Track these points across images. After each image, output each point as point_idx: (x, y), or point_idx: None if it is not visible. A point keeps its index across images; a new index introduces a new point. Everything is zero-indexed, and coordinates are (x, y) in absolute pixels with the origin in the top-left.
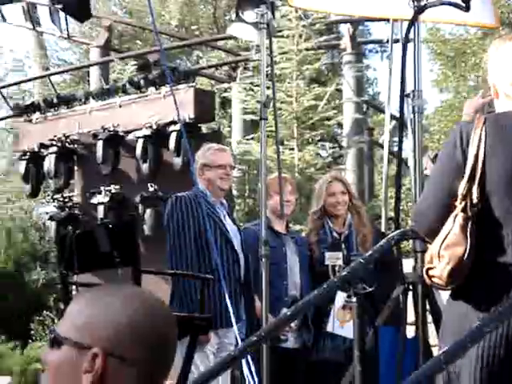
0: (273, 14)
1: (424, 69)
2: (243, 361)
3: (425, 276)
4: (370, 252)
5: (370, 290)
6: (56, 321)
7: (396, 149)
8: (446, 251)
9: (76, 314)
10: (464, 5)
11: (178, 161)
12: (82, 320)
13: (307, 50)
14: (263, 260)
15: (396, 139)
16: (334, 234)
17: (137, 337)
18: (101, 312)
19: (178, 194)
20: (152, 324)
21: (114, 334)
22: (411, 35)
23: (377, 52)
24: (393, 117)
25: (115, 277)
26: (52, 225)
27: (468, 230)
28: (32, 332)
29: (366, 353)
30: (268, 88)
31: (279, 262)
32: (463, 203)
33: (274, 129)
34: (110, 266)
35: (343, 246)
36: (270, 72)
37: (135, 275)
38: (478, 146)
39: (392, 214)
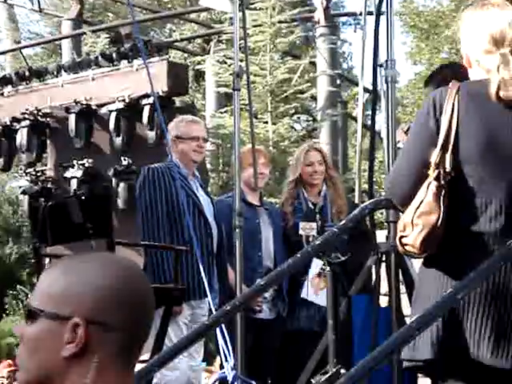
0: None
1: (397, 41)
2: (218, 331)
3: (398, 244)
4: (343, 221)
5: (344, 259)
6: (30, 295)
7: (370, 122)
8: (419, 219)
9: (51, 284)
10: None
11: (151, 134)
12: (58, 290)
13: (280, 22)
14: (237, 231)
15: (370, 113)
16: (309, 205)
17: (116, 301)
18: (77, 280)
19: (151, 166)
20: (131, 288)
21: (93, 300)
22: (384, 7)
23: (350, 25)
24: (366, 90)
25: (89, 249)
26: (25, 199)
27: (441, 198)
28: (6, 306)
29: (339, 321)
30: (241, 61)
31: (253, 233)
32: (436, 171)
33: (247, 102)
34: (84, 238)
35: (318, 216)
36: (243, 44)
37: (109, 247)
38: (451, 115)
39: (366, 186)
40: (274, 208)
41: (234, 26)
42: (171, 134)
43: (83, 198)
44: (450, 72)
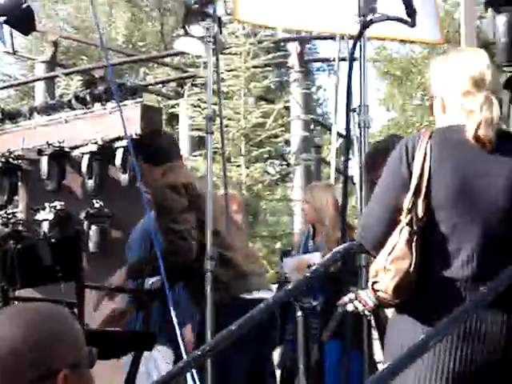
0: (220, 28)
1: (371, 88)
2: (189, 378)
3: (370, 290)
4: (315, 266)
5: (315, 304)
6: None
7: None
8: (391, 265)
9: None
10: (410, 20)
11: (124, 177)
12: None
13: (255, 67)
14: (208, 274)
15: (343, 158)
16: (310, 242)
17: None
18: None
19: None
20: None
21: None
22: (357, 52)
23: (324, 70)
24: (340, 135)
25: (58, 291)
26: (4, 244)
27: (413, 243)
28: None
29: (310, 366)
30: (215, 104)
31: None
32: (408, 217)
33: (219, 146)
34: (53, 281)
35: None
36: (216, 87)
37: (78, 290)
38: (424, 160)
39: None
40: None
41: (208, 70)
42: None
43: (53, 240)
44: None
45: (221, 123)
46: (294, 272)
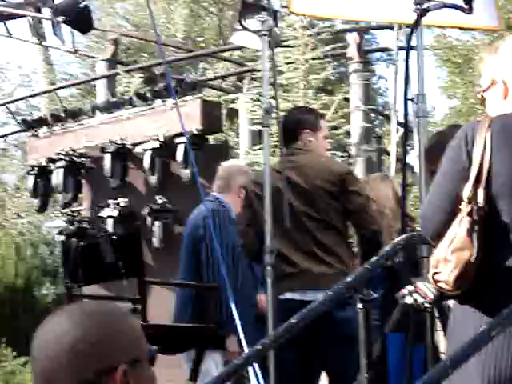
0: (275, 21)
1: (432, 76)
2: (251, 371)
3: (431, 281)
4: (375, 257)
5: (376, 296)
6: None
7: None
8: (452, 255)
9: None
10: (467, 7)
11: (185, 172)
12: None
13: (314, 59)
14: (268, 268)
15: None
16: None
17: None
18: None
19: (214, 208)
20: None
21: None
22: (414, 40)
23: (384, 60)
24: (400, 124)
25: (121, 288)
26: (61, 239)
27: (474, 233)
28: None
29: (373, 360)
30: (272, 98)
31: None
32: (469, 207)
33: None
34: (115, 278)
35: None
36: (273, 80)
37: (140, 286)
38: (484, 148)
39: None
40: None
41: (263, 63)
42: (240, 179)
43: (114, 237)
44: None
45: (277, 116)
46: None
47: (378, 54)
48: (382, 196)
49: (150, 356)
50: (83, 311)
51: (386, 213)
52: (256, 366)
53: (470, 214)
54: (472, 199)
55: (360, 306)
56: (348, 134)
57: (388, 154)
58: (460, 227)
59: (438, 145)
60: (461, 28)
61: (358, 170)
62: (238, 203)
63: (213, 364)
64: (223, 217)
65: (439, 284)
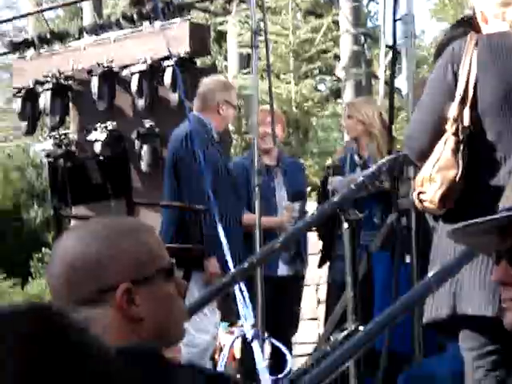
0: None
1: None
2: (236, 290)
3: (415, 200)
4: (361, 178)
5: (361, 216)
6: None
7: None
8: (437, 174)
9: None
10: None
11: (174, 96)
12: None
13: None
14: (256, 189)
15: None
16: (355, 157)
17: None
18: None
19: (187, 129)
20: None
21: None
22: None
23: None
24: (389, 47)
25: (108, 209)
26: (49, 161)
27: (459, 153)
28: (31, 270)
29: (359, 278)
30: (262, 21)
31: (268, 196)
32: (454, 126)
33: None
34: (103, 198)
35: (358, 168)
36: (260, 1)
37: (128, 207)
38: (470, 67)
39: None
40: (294, 166)
41: None
42: (219, 95)
43: (101, 158)
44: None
45: (265, 37)
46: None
47: None
48: (370, 117)
49: (168, 273)
50: (90, 228)
51: (374, 133)
52: (242, 285)
53: (455, 133)
54: (458, 118)
55: (346, 225)
56: (337, 57)
57: (377, 77)
58: (445, 146)
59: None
60: None
61: (347, 94)
62: (218, 120)
63: (194, 285)
64: (202, 136)
65: (424, 203)
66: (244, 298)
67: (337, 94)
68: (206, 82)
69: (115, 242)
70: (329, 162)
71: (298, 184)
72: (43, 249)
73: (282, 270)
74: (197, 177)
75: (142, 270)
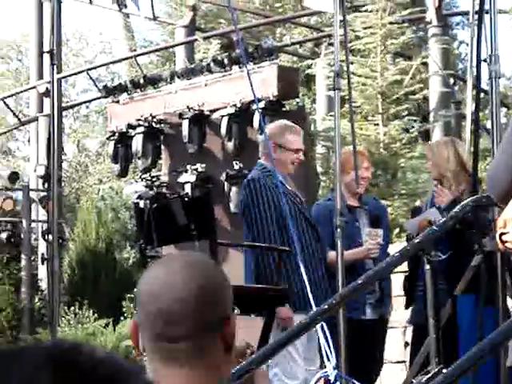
0: None
1: (510, 39)
2: (319, 330)
3: (498, 241)
4: (443, 219)
5: (444, 257)
6: None
7: (483, 122)
8: None
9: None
10: None
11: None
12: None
13: (391, 23)
14: (338, 231)
15: (484, 112)
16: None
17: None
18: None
19: (251, 177)
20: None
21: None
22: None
23: (463, 25)
24: (476, 87)
25: (193, 249)
26: (141, 204)
27: None
28: (124, 310)
29: (443, 321)
30: (352, 63)
31: (353, 236)
32: None
33: (356, 104)
34: (188, 239)
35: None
36: (350, 47)
37: (212, 247)
38: None
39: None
40: (375, 206)
41: (335, 26)
42: (272, 139)
43: (186, 199)
44: None
45: (348, 78)
46: (416, 232)
47: (457, 18)
48: (443, 159)
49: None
50: (196, 261)
51: (447, 176)
52: (324, 325)
53: None
54: None
55: (428, 266)
56: (426, 99)
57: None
58: None
59: None
60: None
61: (436, 135)
62: (277, 164)
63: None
64: (259, 185)
65: (507, 244)
66: (327, 339)
67: (426, 135)
68: (268, 128)
69: (223, 277)
70: (417, 203)
71: (378, 213)
72: (135, 289)
73: (368, 314)
74: (256, 222)
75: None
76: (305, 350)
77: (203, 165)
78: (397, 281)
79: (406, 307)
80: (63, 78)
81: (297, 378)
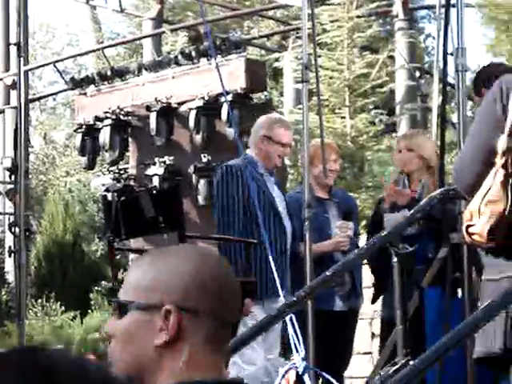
0: None
1: (478, 34)
2: (288, 323)
3: (464, 234)
4: (411, 212)
5: (412, 249)
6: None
7: (449, 115)
8: (486, 207)
9: (140, 277)
10: None
11: (230, 131)
12: (147, 281)
13: (358, 17)
14: (306, 223)
15: (450, 105)
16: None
17: (203, 288)
18: (164, 269)
19: (228, 164)
20: (215, 274)
21: (182, 288)
22: None
23: (431, 18)
24: (442, 81)
25: (161, 242)
26: (108, 196)
27: (509, 186)
28: (91, 302)
29: (410, 313)
30: (319, 57)
31: (322, 227)
32: (503, 159)
33: (323, 97)
34: (156, 232)
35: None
36: (318, 39)
37: (181, 240)
38: None
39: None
40: (345, 199)
41: (303, 20)
42: (261, 131)
43: (154, 192)
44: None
45: (316, 71)
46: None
47: (424, 12)
48: (430, 152)
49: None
50: (181, 249)
51: (434, 168)
52: (294, 318)
53: (504, 166)
54: (507, 151)
55: (395, 259)
56: (392, 92)
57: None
58: (494, 179)
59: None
60: None
61: (402, 128)
62: (261, 156)
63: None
64: (232, 172)
65: (473, 237)
66: (295, 330)
67: (392, 128)
68: (257, 120)
69: (167, 264)
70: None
71: (349, 207)
72: (103, 282)
73: (338, 305)
74: (228, 210)
75: (188, 301)
76: (264, 337)
77: (171, 157)
78: (365, 272)
79: (373, 301)
80: (30, 70)
81: (254, 364)
